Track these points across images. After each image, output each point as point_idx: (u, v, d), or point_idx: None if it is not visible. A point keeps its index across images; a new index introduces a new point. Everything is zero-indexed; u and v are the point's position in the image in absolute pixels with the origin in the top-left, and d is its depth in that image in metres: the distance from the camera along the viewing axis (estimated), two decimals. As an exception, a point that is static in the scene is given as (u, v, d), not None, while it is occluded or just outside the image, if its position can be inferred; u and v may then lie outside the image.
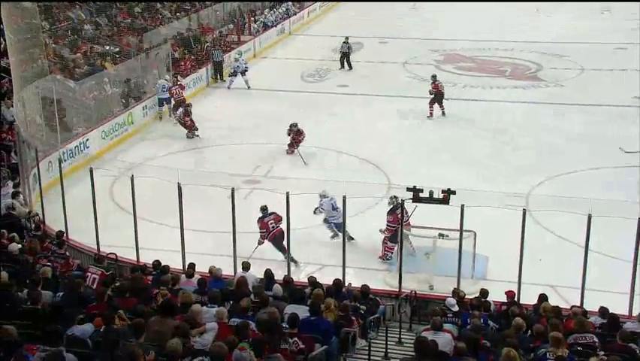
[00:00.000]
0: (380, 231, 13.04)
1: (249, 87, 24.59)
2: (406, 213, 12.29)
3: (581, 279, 10.52)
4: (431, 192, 10.97)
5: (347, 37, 27.58)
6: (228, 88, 24.62)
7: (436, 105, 20.87)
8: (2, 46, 19.62)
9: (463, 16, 35.42)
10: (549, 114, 21.23)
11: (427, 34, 32.32)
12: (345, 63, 27.17)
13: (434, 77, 21.32)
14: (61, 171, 13.75)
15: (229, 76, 25.14)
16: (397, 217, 12.31)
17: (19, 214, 13.34)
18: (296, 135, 18.16)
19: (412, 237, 12.67)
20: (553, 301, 9.94)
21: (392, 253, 12.86)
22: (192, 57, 26.45)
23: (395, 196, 12.79)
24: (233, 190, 11.45)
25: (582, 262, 10.54)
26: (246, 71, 24.88)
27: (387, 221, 12.83)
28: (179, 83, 21.82)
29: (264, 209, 12.95)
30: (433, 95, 20.84)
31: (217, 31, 30.31)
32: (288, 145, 18.24)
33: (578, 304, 10.28)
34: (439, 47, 30.19)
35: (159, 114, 21.46)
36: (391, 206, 12.91)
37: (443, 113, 20.93)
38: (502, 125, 20.34)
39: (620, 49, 28.87)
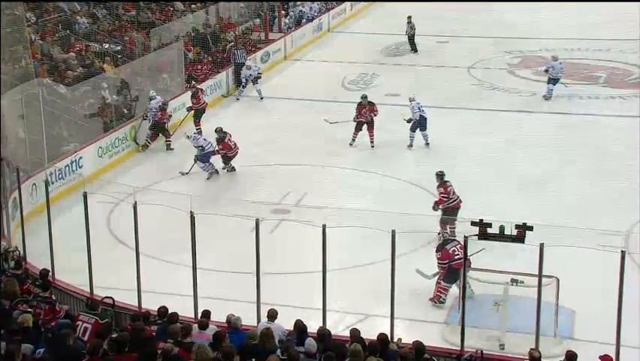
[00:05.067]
0: (417, 270, 13.34)
1: (261, 98, 25.19)
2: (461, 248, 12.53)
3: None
4: (502, 228, 10.87)
5: (409, 17, 30.37)
6: (237, 99, 25.15)
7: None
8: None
9: (545, 8, 34.26)
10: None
11: (498, 32, 32.27)
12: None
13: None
14: (47, 196, 13.91)
15: (239, 85, 25.74)
16: (449, 254, 13.01)
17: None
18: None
19: (476, 282, 12.57)
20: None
21: (446, 294, 13.24)
22: (209, 59, 26.80)
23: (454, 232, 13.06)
24: (257, 221, 11.47)
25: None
26: (258, 78, 25.42)
27: (437, 259, 13.29)
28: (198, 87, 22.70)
29: (219, 131, 18.93)
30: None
31: (240, 27, 30.70)
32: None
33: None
34: (514, 47, 30.18)
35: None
36: (439, 242, 13.51)
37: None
38: (593, 146, 20.15)
39: None
